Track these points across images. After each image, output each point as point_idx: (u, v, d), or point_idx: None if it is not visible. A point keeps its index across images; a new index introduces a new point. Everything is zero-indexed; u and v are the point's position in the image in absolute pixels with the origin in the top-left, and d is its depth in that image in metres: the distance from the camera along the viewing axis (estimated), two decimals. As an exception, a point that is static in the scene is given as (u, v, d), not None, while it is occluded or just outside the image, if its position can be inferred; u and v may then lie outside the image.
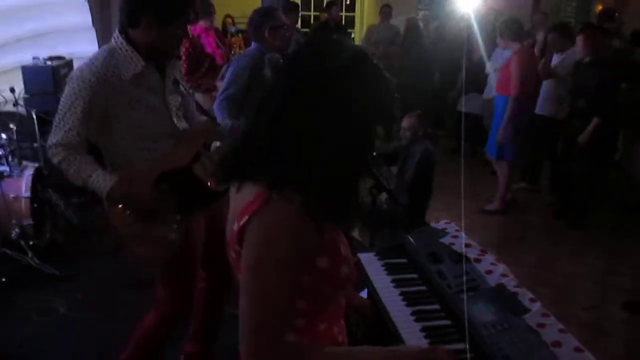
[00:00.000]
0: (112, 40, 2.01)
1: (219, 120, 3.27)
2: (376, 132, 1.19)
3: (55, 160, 1.96)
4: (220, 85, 3.91)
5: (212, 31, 5.00)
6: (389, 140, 4.10)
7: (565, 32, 4.97)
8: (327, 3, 7.88)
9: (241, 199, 1.14)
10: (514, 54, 4.69)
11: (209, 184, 2.09)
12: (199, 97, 4.69)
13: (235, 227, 1.12)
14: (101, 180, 1.93)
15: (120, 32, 2.00)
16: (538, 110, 4.93)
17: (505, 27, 4.72)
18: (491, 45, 5.40)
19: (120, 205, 1.99)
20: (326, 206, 1.09)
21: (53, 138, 1.95)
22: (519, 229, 4.79)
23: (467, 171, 5.39)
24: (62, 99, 1.97)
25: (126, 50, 1.97)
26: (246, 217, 1.09)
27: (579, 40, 4.49)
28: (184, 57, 4.57)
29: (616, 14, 6.17)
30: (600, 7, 8.37)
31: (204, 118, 2.40)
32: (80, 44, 5.17)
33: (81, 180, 1.94)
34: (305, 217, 1.06)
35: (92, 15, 5.29)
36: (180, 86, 2.18)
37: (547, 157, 5.27)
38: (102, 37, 5.20)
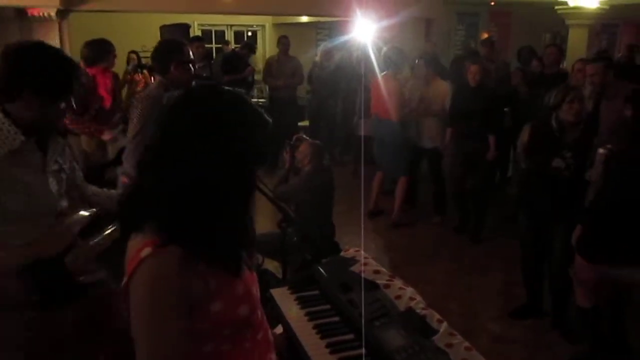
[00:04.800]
0: None
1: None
2: (254, 173, 1.19)
3: None
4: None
5: (109, 73, 4.79)
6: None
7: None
8: (244, 44, 8.19)
9: (127, 255, 1.13)
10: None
11: (80, 277, 1.89)
12: (83, 139, 4.46)
13: (123, 286, 1.13)
14: None
15: None
16: (426, 144, 5.31)
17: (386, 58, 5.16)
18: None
19: None
20: (211, 253, 1.10)
21: None
22: (423, 247, 4.98)
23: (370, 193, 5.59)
24: None
25: (2, 124, 1.74)
26: (126, 278, 1.10)
27: (474, 69, 4.84)
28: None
29: (493, 42, 6.78)
30: (486, 34, 9.09)
31: (94, 189, 2.18)
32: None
33: None
34: (187, 267, 1.07)
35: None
36: (64, 166, 1.97)
37: (434, 181, 5.54)
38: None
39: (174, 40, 3.47)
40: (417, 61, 5.50)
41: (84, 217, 1.99)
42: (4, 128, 1.74)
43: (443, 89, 5.24)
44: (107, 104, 4.65)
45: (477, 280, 4.30)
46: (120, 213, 1.22)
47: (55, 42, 6.38)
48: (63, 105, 1.83)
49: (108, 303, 2.11)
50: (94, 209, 2.07)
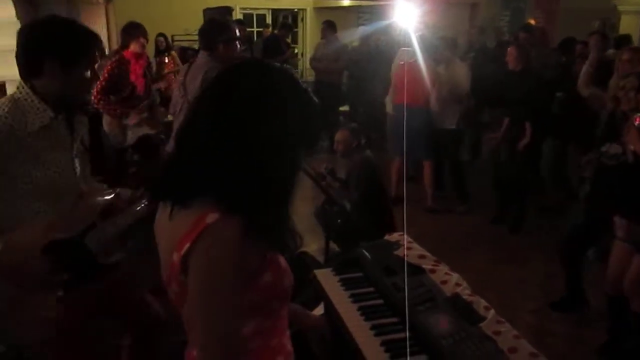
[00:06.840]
0: (17, 90, 1.80)
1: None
2: (301, 151, 1.19)
3: None
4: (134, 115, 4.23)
5: (143, 60, 4.85)
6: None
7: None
8: (281, 25, 8.31)
9: (177, 228, 1.13)
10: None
11: (102, 257, 1.90)
12: (105, 119, 4.57)
13: (176, 257, 1.12)
14: None
15: (25, 81, 1.79)
16: (446, 125, 5.22)
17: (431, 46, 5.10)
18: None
19: None
20: (265, 225, 1.11)
21: None
22: (459, 236, 4.91)
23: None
24: None
25: (32, 101, 1.76)
26: (188, 245, 1.09)
27: (511, 51, 4.75)
28: (105, 75, 4.37)
29: (534, 27, 6.56)
30: (532, 21, 8.85)
31: (97, 184, 2.20)
32: (14, 68, 4.92)
33: None
34: (247, 236, 1.08)
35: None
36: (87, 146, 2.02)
37: (453, 165, 5.49)
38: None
39: (219, 20, 3.70)
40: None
41: (104, 198, 2.00)
42: (34, 105, 1.77)
43: (460, 71, 5.18)
44: (139, 90, 4.74)
45: (515, 271, 4.24)
46: (160, 181, 1.22)
47: (102, 25, 6.54)
48: (88, 73, 1.83)
49: (129, 286, 2.18)
50: (115, 191, 2.07)
